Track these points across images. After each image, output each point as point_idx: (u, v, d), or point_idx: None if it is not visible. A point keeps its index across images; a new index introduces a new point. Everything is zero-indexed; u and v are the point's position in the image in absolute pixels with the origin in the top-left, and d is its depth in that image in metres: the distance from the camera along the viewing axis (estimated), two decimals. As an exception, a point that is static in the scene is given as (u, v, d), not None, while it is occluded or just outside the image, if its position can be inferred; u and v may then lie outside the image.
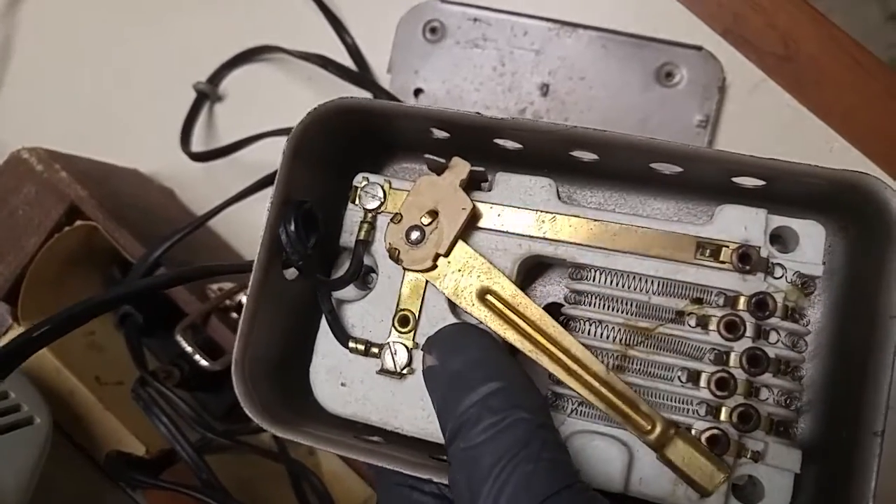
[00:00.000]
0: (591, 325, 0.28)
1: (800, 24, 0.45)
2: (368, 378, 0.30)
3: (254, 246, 0.29)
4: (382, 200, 0.31)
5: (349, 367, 0.30)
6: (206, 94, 0.52)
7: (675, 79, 0.46)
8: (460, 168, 0.29)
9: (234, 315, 0.42)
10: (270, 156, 0.46)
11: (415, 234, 0.29)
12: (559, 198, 0.29)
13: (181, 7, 0.54)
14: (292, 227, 0.28)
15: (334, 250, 0.32)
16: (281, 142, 0.29)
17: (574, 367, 0.27)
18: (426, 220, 0.28)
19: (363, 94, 0.49)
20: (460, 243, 0.28)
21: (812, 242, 0.27)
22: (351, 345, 0.30)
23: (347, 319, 0.31)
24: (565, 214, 0.29)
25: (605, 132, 0.27)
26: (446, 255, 0.28)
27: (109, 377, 0.46)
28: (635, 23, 0.47)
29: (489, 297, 0.28)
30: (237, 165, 0.50)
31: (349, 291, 0.31)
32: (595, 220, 0.29)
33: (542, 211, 0.29)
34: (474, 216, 0.29)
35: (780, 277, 0.27)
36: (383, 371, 0.29)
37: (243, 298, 0.42)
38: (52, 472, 0.39)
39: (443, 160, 0.31)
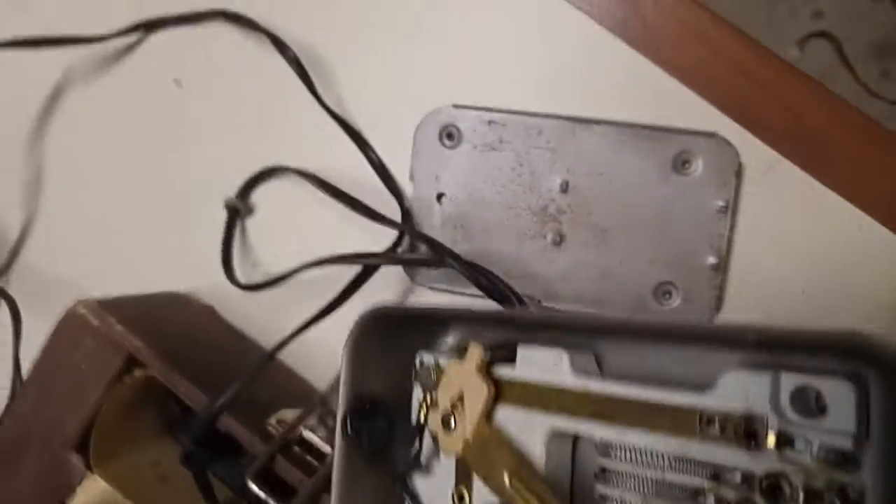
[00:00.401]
0: (615, 503, 0.29)
1: (810, 102, 0.46)
2: None
3: (321, 371, 0.33)
4: (435, 380, 0.32)
5: None
6: (238, 210, 0.54)
7: (692, 167, 0.47)
8: (475, 353, 0.30)
9: (297, 449, 0.44)
10: (311, 278, 0.49)
11: (449, 419, 0.30)
12: (573, 368, 0.30)
13: (205, 128, 0.55)
14: (350, 432, 0.31)
15: (411, 430, 0.34)
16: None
17: None
18: (456, 405, 0.30)
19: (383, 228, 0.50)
20: (486, 427, 0.30)
21: (838, 404, 0.23)
22: None
23: (423, 493, 0.33)
24: (577, 389, 0.29)
25: (621, 318, 0.29)
26: (474, 438, 0.30)
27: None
28: (648, 112, 0.48)
29: (515, 481, 0.28)
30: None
31: (429, 464, 0.33)
32: (603, 394, 0.29)
33: (556, 386, 0.30)
34: (502, 392, 0.30)
35: (804, 452, 0.24)
36: None
37: (306, 433, 0.44)
38: None
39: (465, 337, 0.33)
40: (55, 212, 0.59)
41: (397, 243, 0.49)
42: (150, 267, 0.56)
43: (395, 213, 0.50)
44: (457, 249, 0.50)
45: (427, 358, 0.33)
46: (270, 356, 0.45)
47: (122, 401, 0.46)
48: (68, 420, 0.45)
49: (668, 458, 0.27)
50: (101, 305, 0.46)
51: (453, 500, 0.31)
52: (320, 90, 0.51)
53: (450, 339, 0.37)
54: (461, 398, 0.30)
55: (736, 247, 0.47)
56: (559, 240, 0.49)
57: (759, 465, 0.25)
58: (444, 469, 0.32)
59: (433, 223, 0.50)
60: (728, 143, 0.46)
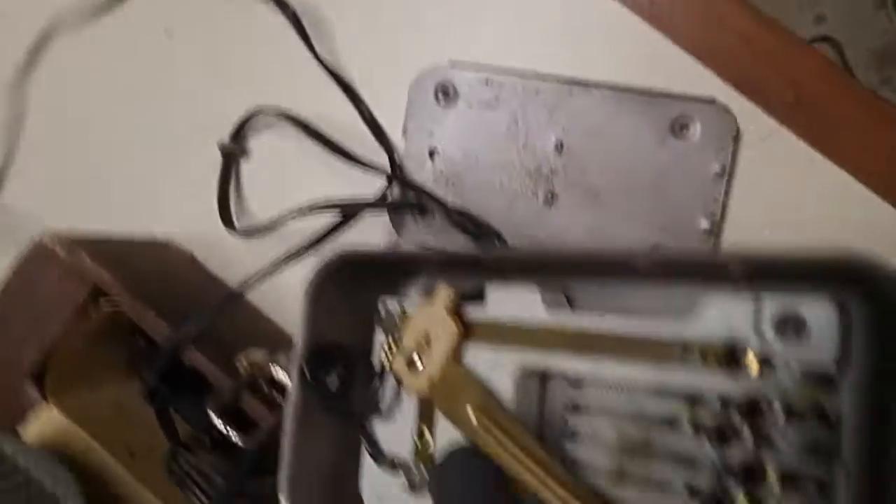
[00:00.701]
0: (588, 436, 0.28)
1: (809, 71, 0.46)
2: (397, 493, 0.32)
3: (294, 315, 0.32)
4: (399, 325, 0.32)
5: (384, 483, 0.32)
6: (234, 154, 0.53)
7: (689, 131, 0.46)
8: (444, 294, 0.30)
9: (266, 388, 0.42)
10: (297, 223, 0.47)
11: (415, 360, 0.30)
12: (546, 305, 0.29)
13: (193, 79, 0.55)
14: (308, 377, 0.31)
15: (372, 372, 0.34)
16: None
17: (560, 491, 0.26)
18: (422, 346, 0.30)
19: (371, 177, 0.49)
20: (454, 366, 0.29)
21: (820, 326, 0.23)
22: (381, 462, 0.32)
23: (381, 435, 0.33)
24: (551, 324, 0.29)
25: (590, 249, 0.28)
26: (440, 378, 0.29)
27: (141, 446, 0.46)
28: (647, 77, 0.47)
29: (482, 417, 0.28)
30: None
31: (388, 409, 0.33)
32: (579, 328, 0.28)
33: (528, 323, 0.29)
34: (470, 332, 0.30)
35: (783, 374, 0.24)
36: (407, 487, 0.31)
37: (275, 371, 0.42)
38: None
39: (432, 280, 0.33)
40: (40, 157, 0.57)
41: (385, 194, 0.48)
42: (133, 213, 0.55)
43: (385, 170, 0.49)
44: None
45: (391, 304, 0.33)
46: (239, 293, 0.44)
47: (86, 333, 0.44)
48: (27, 349, 0.43)
49: (645, 388, 0.27)
50: (71, 239, 0.44)
51: (414, 442, 0.31)
52: (315, 43, 0.51)
53: (415, 287, 0.36)
54: (428, 339, 0.30)
55: (730, 213, 0.46)
56: (551, 200, 0.48)
57: (740, 388, 0.24)
58: (406, 412, 0.32)
59: (424, 180, 0.49)
60: (727, 110, 0.46)
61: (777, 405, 0.24)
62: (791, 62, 0.46)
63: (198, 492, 0.40)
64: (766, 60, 0.46)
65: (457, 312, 0.30)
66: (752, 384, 0.24)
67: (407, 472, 0.31)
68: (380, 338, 0.33)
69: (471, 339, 0.30)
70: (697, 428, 0.25)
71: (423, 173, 0.49)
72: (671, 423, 0.26)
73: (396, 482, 0.32)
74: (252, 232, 0.51)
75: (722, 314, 0.25)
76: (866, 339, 0.24)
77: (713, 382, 0.25)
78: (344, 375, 0.32)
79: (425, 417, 0.31)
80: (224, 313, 0.46)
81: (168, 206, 0.54)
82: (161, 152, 0.55)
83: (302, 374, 0.31)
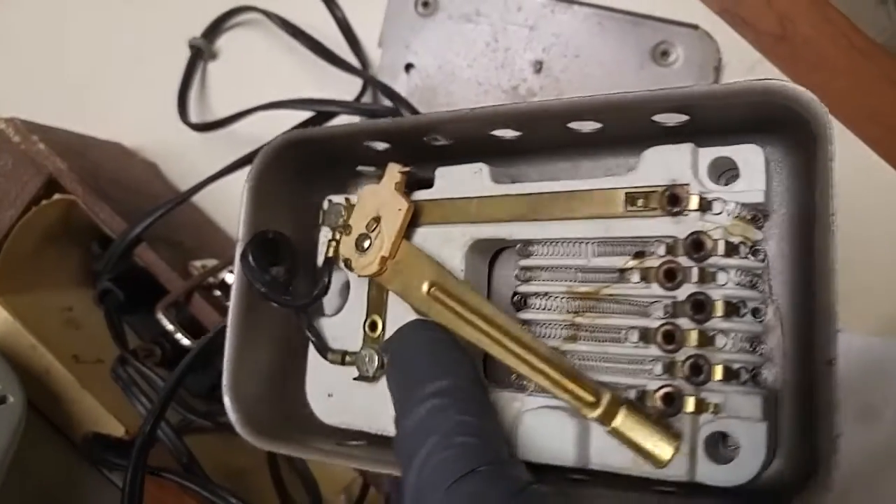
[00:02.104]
0: (539, 298, 0.28)
1: (796, 4, 0.45)
2: (348, 386, 0.31)
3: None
4: (345, 217, 0.31)
5: (332, 378, 0.32)
6: (202, 50, 0.51)
7: (670, 58, 0.45)
8: (393, 171, 0.29)
9: (218, 293, 0.41)
10: (261, 129, 0.45)
11: (364, 242, 0.30)
12: (493, 179, 0.29)
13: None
14: (251, 261, 0.30)
15: (316, 270, 0.33)
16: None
17: (515, 348, 0.26)
18: (371, 227, 0.29)
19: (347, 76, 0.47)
20: (404, 243, 0.29)
21: (751, 168, 0.25)
22: (330, 356, 0.31)
23: (329, 332, 0.32)
24: (497, 195, 0.29)
25: (505, 106, 0.28)
26: (392, 256, 0.29)
27: (88, 355, 0.45)
28: (632, 0, 0.46)
29: (435, 290, 0.28)
30: (225, 138, 0.49)
31: (330, 306, 0.32)
32: (524, 194, 0.28)
33: (477, 196, 0.29)
34: (419, 214, 0.30)
35: (720, 213, 0.25)
36: (359, 378, 0.31)
37: (227, 276, 0.41)
38: (27, 454, 0.38)
39: (373, 168, 0.33)
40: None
41: (359, 96, 0.47)
42: (96, 116, 0.52)
43: (357, 80, 0.47)
44: (419, 123, 0.47)
45: (336, 198, 0.32)
46: (193, 191, 0.42)
47: (38, 228, 0.42)
48: (-24, 242, 0.41)
49: (593, 244, 0.27)
50: (25, 125, 0.42)
51: (365, 330, 0.31)
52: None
53: (360, 184, 0.36)
54: (378, 220, 0.29)
55: (708, 143, 0.45)
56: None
57: (683, 228, 0.25)
58: (355, 302, 0.31)
59: (398, 92, 0.48)
60: (710, 38, 0.45)
61: (719, 240, 0.25)
62: (779, -7, 0.45)
63: (143, 399, 0.39)
64: (754, -10, 0.45)
65: (405, 191, 0.30)
66: (694, 223, 0.25)
67: (360, 362, 0.30)
68: (323, 235, 0.32)
69: (420, 220, 0.30)
70: (645, 274, 0.26)
71: (397, 86, 0.48)
72: (619, 273, 0.27)
73: (346, 375, 0.31)
74: (209, 127, 0.49)
75: (662, 163, 0.26)
76: (791, 180, 0.27)
77: (658, 227, 0.26)
78: (288, 269, 0.31)
79: (375, 306, 0.31)
80: (180, 221, 0.45)
81: (125, 109, 0.52)
82: (123, 52, 0.52)
83: (245, 259, 0.30)
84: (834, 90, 0.44)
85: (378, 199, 0.30)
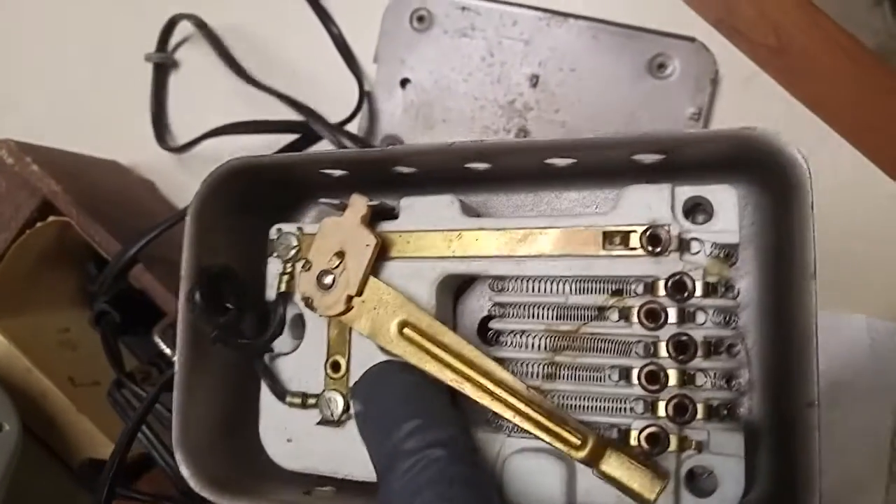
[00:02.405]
0: (515, 336, 0.28)
1: (792, 16, 0.45)
2: (311, 430, 0.29)
3: None
4: (298, 249, 0.30)
5: (292, 422, 0.30)
6: (163, 64, 0.50)
7: (667, 70, 0.45)
8: (359, 204, 0.28)
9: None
10: (256, 141, 0.45)
11: (326, 279, 0.28)
12: (464, 213, 0.29)
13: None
14: (198, 300, 0.27)
15: (265, 305, 0.31)
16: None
17: (497, 390, 0.25)
18: (334, 263, 0.28)
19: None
20: (372, 280, 0.28)
21: (725, 208, 0.26)
22: (288, 399, 0.29)
23: (284, 373, 0.30)
24: (470, 229, 0.28)
25: (484, 142, 0.27)
26: (358, 294, 0.27)
27: (84, 377, 0.44)
28: (627, 13, 0.46)
29: (407, 329, 0.27)
30: (221, 151, 0.48)
31: (284, 343, 0.30)
32: (499, 230, 0.28)
33: (448, 230, 0.28)
34: (384, 248, 0.28)
35: (698, 252, 0.26)
36: (323, 421, 0.29)
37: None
38: (25, 479, 0.38)
39: (337, 201, 0.30)
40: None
41: (354, 113, 0.46)
42: (92, 136, 0.51)
43: (353, 95, 0.47)
44: (415, 138, 0.47)
45: (286, 226, 0.30)
46: (187, 210, 0.42)
47: (33, 250, 0.42)
48: (-29, 265, 0.41)
49: (571, 282, 0.27)
50: (19, 146, 0.42)
51: (326, 370, 0.29)
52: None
53: (311, 213, 0.34)
54: (341, 256, 0.28)
55: (705, 155, 0.45)
56: (523, 136, 0.46)
57: (663, 269, 0.26)
58: (313, 339, 0.30)
59: (394, 109, 0.48)
60: (706, 50, 0.45)
61: (698, 281, 0.25)
62: (774, 5, 0.45)
63: (144, 428, 0.39)
64: (750, 2, 0.45)
65: (370, 224, 0.28)
66: (674, 263, 0.26)
67: (323, 405, 0.28)
68: (273, 267, 0.30)
69: (385, 254, 0.28)
70: (625, 313, 0.26)
71: (393, 103, 0.48)
72: (597, 311, 0.27)
73: (306, 418, 0.29)
74: (184, 148, 0.48)
75: (641, 203, 0.26)
76: (759, 216, 0.28)
77: (638, 267, 0.26)
78: (238, 307, 0.29)
79: (337, 345, 0.29)
80: (177, 240, 0.44)
81: (119, 129, 0.52)
82: (116, 74, 0.52)
83: (192, 300, 0.27)
84: (830, 101, 0.44)
85: (341, 232, 0.28)
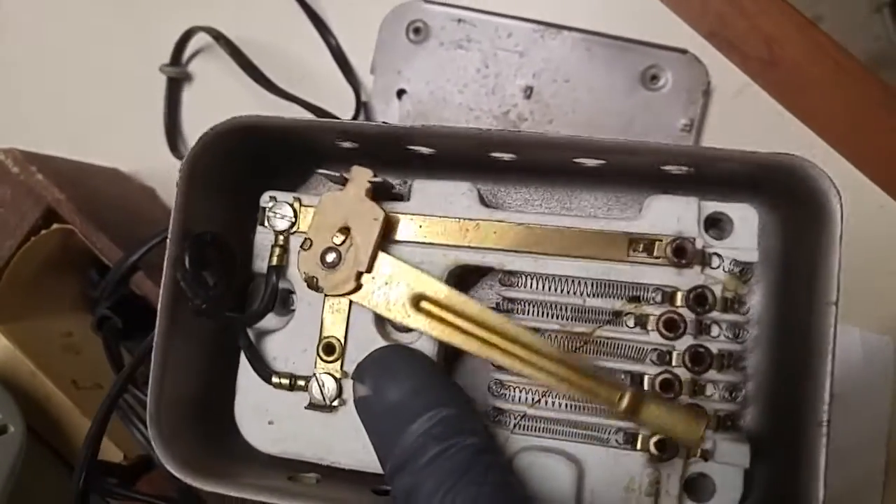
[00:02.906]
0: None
1: (784, 28, 0.45)
2: (297, 413, 0.28)
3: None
4: (294, 220, 0.28)
5: (275, 404, 0.28)
6: (177, 78, 0.52)
7: (660, 82, 0.45)
8: (361, 176, 0.27)
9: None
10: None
11: (330, 257, 0.27)
12: (482, 202, 0.28)
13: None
14: (188, 267, 0.26)
15: (249, 277, 0.29)
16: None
17: (527, 355, 0.25)
18: (339, 240, 0.27)
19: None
20: (381, 255, 0.27)
21: (746, 227, 0.27)
22: (274, 380, 0.28)
23: (269, 352, 0.29)
24: (489, 220, 0.27)
25: (520, 133, 0.27)
26: (369, 270, 0.27)
27: (87, 380, 0.45)
28: (620, 25, 0.46)
29: (424, 303, 0.27)
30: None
31: (269, 320, 0.29)
32: (520, 224, 0.27)
33: (464, 219, 0.28)
34: (390, 227, 0.27)
35: (718, 267, 0.26)
36: (312, 405, 0.28)
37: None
38: (29, 480, 0.39)
39: (337, 174, 0.29)
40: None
41: (354, 117, 0.47)
42: (93, 143, 0.53)
43: (350, 105, 0.48)
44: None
45: (281, 195, 0.28)
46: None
47: (37, 257, 0.43)
48: (-24, 271, 0.42)
49: (589, 283, 0.27)
50: (24, 155, 0.43)
51: (319, 353, 0.28)
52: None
53: (308, 184, 0.32)
54: (345, 231, 0.26)
55: (696, 166, 0.46)
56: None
57: (685, 280, 0.26)
58: (303, 318, 0.28)
59: (390, 120, 0.48)
60: (699, 62, 0.45)
61: (718, 296, 0.26)
62: (766, 17, 0.45)
63: (141, 426, 0.40)
64: (741, 13, 0.46)
65: (374, 198, 0.27)
66: (696, 277, 0.26)
67: (313, 389, 0.27)
68: (263, 238, 0.28)
69: (393, 236, 0.27)
70: (641, 320, 0.26)
71: (389, 113, 0.48)
72: (613, 315, 0.27)
73: (291, 401, 0.28)
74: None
75: (669, 214, 0.27)
76: (776, 236, 0.28)
77: (660, 277, 0.26)
78: (224, 278, 0.27)
79: (333, 325, 0.27)
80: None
81: (121, 136, 0.53)
82: (117, 81, 0.53)
83: (181, 265, 0.25)
84: (821, 112, 0.45)
85: (343, 208, 0.27)
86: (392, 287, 0.27)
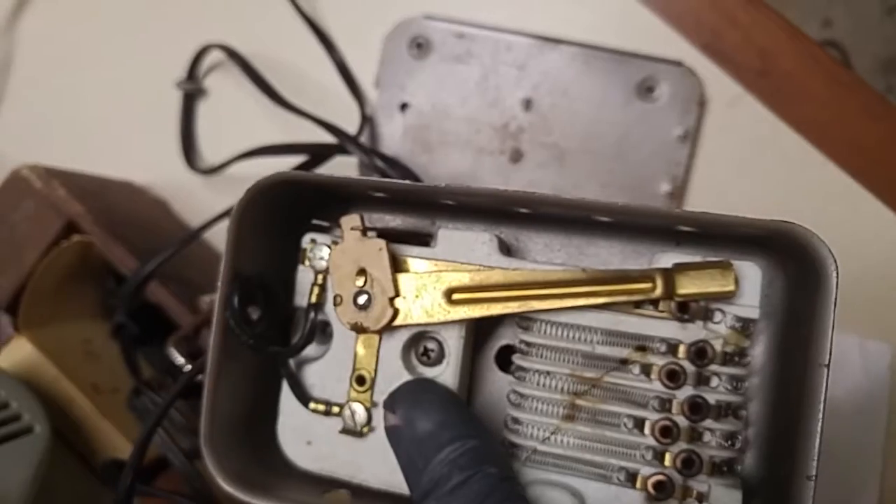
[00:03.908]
0: (539, 375, 0.29)
1: (776, 39, 0.46)
2: (332, 436, 0.31)
3: None
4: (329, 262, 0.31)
5: (313, 427, 0.31)
6: (192, 93, 0.54)
7: (655, 93, 0.47)
8: (352, 223, 0.29)
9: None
10: (265, 168, 0.48)
11: (362, 299, 0.29)
12: (502, 251, 0.30)
13: (167, 16, 0.55)
14: (237, 307, 0.29)
15: (290, 311, 0.32)
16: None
17: (560, 290, 0.28)
18: (361, 282, 0.29)
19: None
20: (400, 275, 0.29)
21: (749, 284, 0.28)
22: (312, 406, 0.31)
23: (308, 379, 0.32)
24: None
25: (535, 194, 0.28)
26: (397, 294, 0.29)
27: (106, 385, 0.48)
28: (616, 38, 0.48)
29: (455, 295, 0.29)
30: (232, 175, 0.52)
31: (309, 349, 0.32)
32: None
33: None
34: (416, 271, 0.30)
35: (720, 323, 0.28)
36: (345, 430, 0.30)
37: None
38: (52, 480, 0.41)
39: (327, 224, 0.32)
40: (20, 99, 0.58)
41: (358, 132, 0.49)
42: (109, 157, 0.55)
43: (355, 118, 0.50)
44: (415, 160, 0.50)
45: (320, 238, 0.31)
46: (200, 229, 0.45)
47: (59, 267, 0.45)
48: (1, 280, 0.45)
49: (599, 333, 0.29)
50: (47, 171, 0.45)
51: (351, 383, 0.31)
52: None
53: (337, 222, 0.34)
54: (364, 272, 0.29)
55: (693, 177, 0.47)
56: (517, 157, 0.48)
57: (688, 334, 0.28)
58: (339, 349, 0.31)
59: (394, 132, 0.50)
60: (693, 73, 0.46)
61: (719, 351, 0.28)
62: (759, 29, 0.46)
63: (162, 432, 0.42)
64: (735, 25, 0.47)
65: (365, 234, 0.29)
66: (698, 332, 0.28)
67: (346, 416, 0.30)
68: (304, 276, 0.31)
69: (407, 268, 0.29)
70: (646, 369, 0.28)
71: (393, 126, 0.50)
72: (621, 363, 0.29)
73: (328, 425, 0.31)
74: (214, 170, 0.52)
75: None
76: (778, 294, 0.29)
77: (665, 329, 0.28)
78: (268, 314, 0.30)
79: (364, 359, 0.30)
80: (189, 257, 0.47)
81: (142, 147, 0.55)
82: (129, 95, 0.56)
83: (231, 306, 0.28)
84: (815, 122, 0.46)
85: (350, 254, 0.30)
86: (423, 297, 0.29)
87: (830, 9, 1.15)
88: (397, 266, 0.29)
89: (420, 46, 0.49)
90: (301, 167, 0.47)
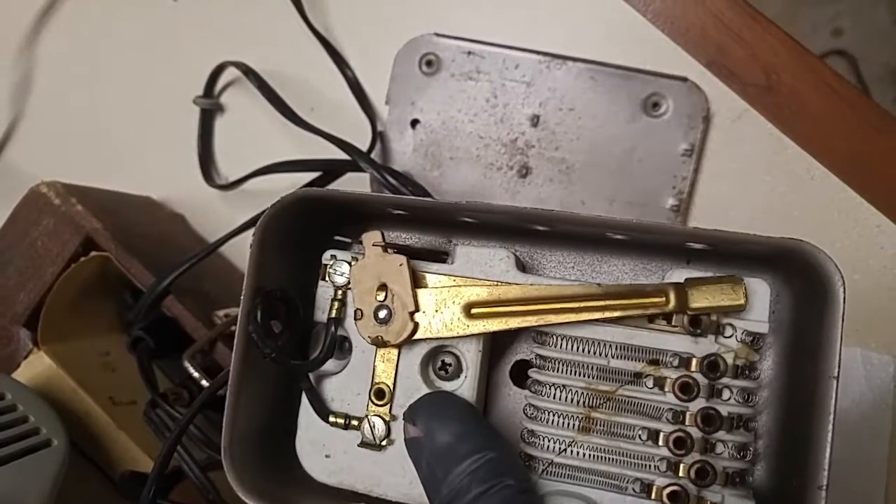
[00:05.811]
0: (556, 389, 0.30)
1: (780, 56, 0.47)
2: (351, 450, 0.31)
3: None
4: (350, 277, 0.31)
5: (332, 440, 0.32)
6: (209, 109, 0.55)
7: (661, 109, 0.47)
8: (373, 239, 0.30)
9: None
10: (282, 184, 0.49)
11: (382, 314, 0.30)
12: (518, 267, 0.31)
13: (184, 35, 0.56)
14: (259, 321, 0.29)
15: (311, 325, 0.33)
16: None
17: (576, 305, 0.29)
18: (381, 297, 0.30)
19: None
20: (419, 290, 0.30)
21: (759, 300, 0.29)
22: (331, 419, 0.31)
23: (327, 393, 0.32)
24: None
25: (552, 211, 0.29)
26: (417, 309, 0.30)
27: (123, 397, 0.48)
28: (622, 54, 0.48)
29: (474, 310, 0.29)
30: (248, 190, 0.53)
31: (328, 364, 0.32)
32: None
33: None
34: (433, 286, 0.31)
35: (731, 337, 0.29)
36: (364, 444, 0.31)
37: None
38: (70, 492, 0.42)
39: (349, 240, 0.34)
40: (40, 116, 0.59)
41: (370, 149, 0.50)
42: (127, 172, 0.56)
43: (367, 135, 0.51)
44: (425, 175, 0.50)
45: (340, 254, 0.32)
46: (217, 245, 0.46)
47: (77, 282, 0.46)
48: (21, 295, 0.46)
49: (614, 347, 0.29)
50: (65, 188, 0.46)
51: (370, 397, 0.31)
52: (308, 10, 0.52)
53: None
54: (384, 288, 0.30)
55: (697, 191, 0.47)
56: (525, 172, 0.49)
57: (700, 348, 0.29)
58: (357, 364, 0.31)
59: (405, 148, 0.51)
60: (699, 89, 0.47)
61: (729, 362, 0.28)
62: (764, 45, 0.47)
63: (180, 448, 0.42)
64: (740, 41, 0.48)
65: (387, 250, 0.30)
66: (710, 346, 0.29)
67: (365, 430, 0.30)
68: (324, 291, 0.32)
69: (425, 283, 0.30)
70: (659, 382, 0.29)
71: (404, 142, 0.51)
72: (635, 377, 0.29)
73: (346, 438, 0.31)
74: (232, 185, 0.53)
75: None
76: (788, 309, 0.30)
77: (678, 344, 0.29)
78: (289, 328, 0.31)
79: (383, 373, 0.31)
80: (206, 271, 0.48)
81: (160, 162, 0.56)
82: (152, 112, 0.57)
83: (254, 320, 0.29)
84: (818, 137, 0.46)
85: (371, 269, 0.30)
86: (443, 311, 0.30)
87: (840, 18, 1.15)
88: (417, 281, 0.30)
89: (430, 64, 0.50)
90: (314, 183, 0.47)
